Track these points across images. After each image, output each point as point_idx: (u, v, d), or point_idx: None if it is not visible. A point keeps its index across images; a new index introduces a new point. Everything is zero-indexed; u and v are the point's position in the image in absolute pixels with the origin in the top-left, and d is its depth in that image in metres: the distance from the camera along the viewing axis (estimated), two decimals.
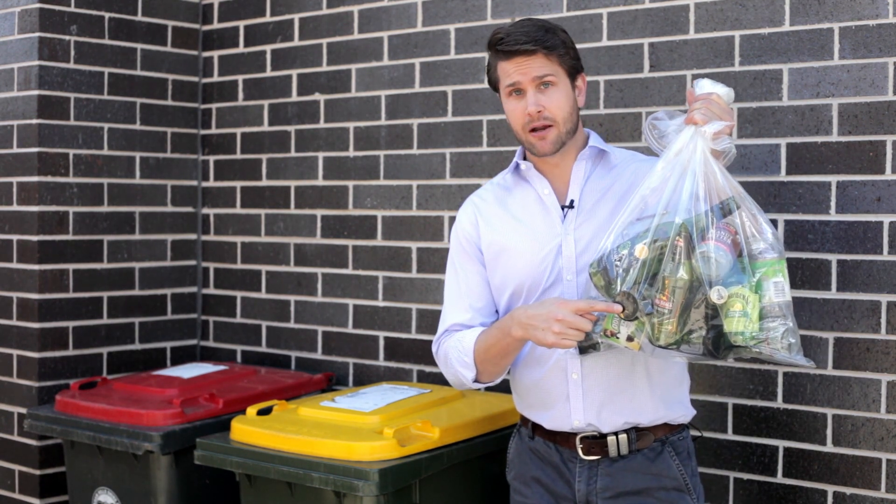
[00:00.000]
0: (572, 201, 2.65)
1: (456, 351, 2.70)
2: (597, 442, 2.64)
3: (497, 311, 2.78)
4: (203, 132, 4.57)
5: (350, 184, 4.09)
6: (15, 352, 4.14)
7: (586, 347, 2.49)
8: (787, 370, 3.08)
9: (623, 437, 2.62)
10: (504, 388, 3.58)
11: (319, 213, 4.18)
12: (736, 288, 2.34)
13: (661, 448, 2.65)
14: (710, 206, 2.38)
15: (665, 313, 2.35)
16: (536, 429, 2.74)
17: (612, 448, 2.63)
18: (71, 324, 4.15)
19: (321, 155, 4.18)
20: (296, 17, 4.25)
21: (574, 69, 2.65)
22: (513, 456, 2.83)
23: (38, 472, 4.08)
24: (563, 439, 2.68)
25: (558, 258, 2.62)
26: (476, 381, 2.71)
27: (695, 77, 3.25)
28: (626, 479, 2.63)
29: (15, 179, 4.15)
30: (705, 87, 2.48)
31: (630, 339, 2.41)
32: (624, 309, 2.37)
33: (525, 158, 2.75)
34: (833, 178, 3.01)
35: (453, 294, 2.79)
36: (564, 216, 2.65)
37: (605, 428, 2.62)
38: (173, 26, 4.48)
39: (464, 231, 2.79)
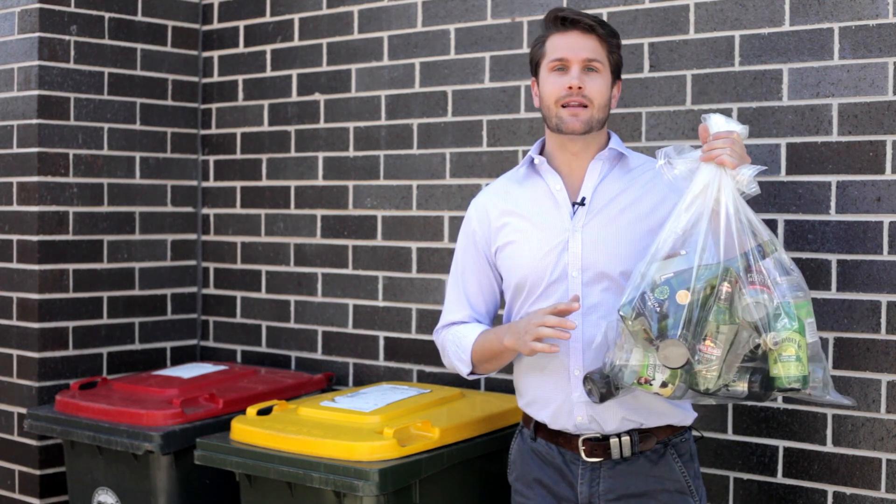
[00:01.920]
0: (584, 198, 2.66)
1: (454, 346, 2.77)
2: (599, 444, 2.64)
3: (498, 309, 2.81)
4: (203, 132, 4.57)
5: (350, 184, 4.09)
6: (15, 352, 4.14)
7: (606, 395, 2.46)
8: None
9: (626, 438, 2.62)
10: (504, 388, 3.58)
11: (319, 213, 4.18)
12: (787, 332, 2.33)
13: (663, 450, 2.65)
14: (749, 248, 2.37)
15: (713, 360, 2.34)
16: (539, 430, 2.74)
17: (614, 450, 2.62)
18: (71, 324, 4.15)
19: (321, 155, 4.18)
20: (296, 17, 4.25)
21: (617, 69, 2.69)
22: (514, 457, 2.82)
23: (38, 472, 4.08)
24: (565, 441, 2.68)
25: (564, 253, 2.62)
26: (472, 374, 2.78)
27: (695, 77, 3.26)
28: (628, 482, 2.63)
29: (15, 179, 4.15)
30: (720, 123, 2.46)
31: (664, 385, 2.39)
32: (685, 363, 2.33)
33: (541, 153, 2.75)
34: (833, 178, 3.01)
35: (454, 291, 2.84)
36: (574, 213, 2.65)
37: (607, 425, 2.62)
38: (173, 26, 4.48)
39: (471, 229, 2.81)
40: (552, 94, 2.63)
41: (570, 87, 2.59)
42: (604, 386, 2.44)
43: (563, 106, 2.61)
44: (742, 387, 2.37)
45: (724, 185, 2.39)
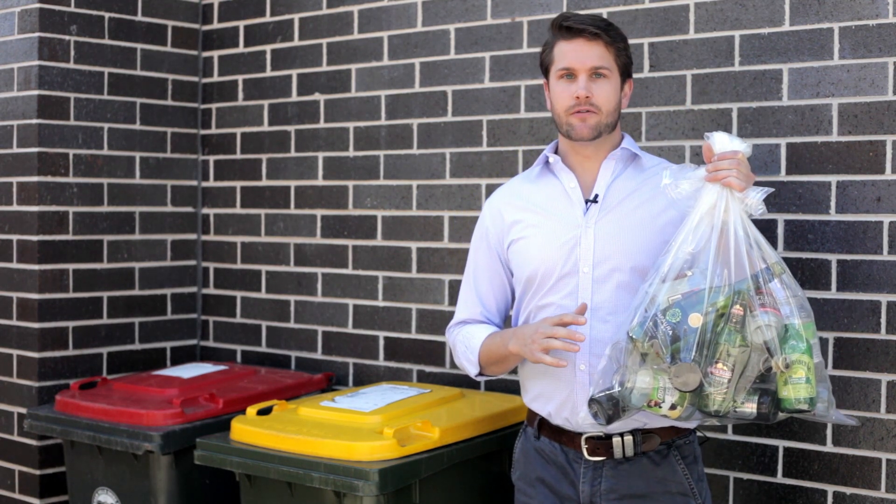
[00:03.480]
0: (597, 195, 2.67)
1: (463, 347, 2.79)
2: (602, 443, 2.64)
3: (509, 307, 2.84)
4: (203, 132, 4.57)
5: (350, 184, 4.09)
6: (15, 352, 4.14)
7: (612, 417, 2.45)
8: None
9: (629, 438, 2.62)
10: (504, 387, 3.59)
11: (319, 213, 4.18)
12: (797, 354, 2.34)
13: (666, 451, 2.65)
14: (759, 270, 2.37)
15: (723, 382, 2.34)
16: (542, 428, 2.75)
17: (617, 449, 2.63)
18: (71, 324, 4.15)
19: (321, 155, 4.18)
20: (296, 17, 4.25)
21: (626, 69, 2.69)
22: (518, 455, 2.83)
23: (38, 472, 4.08)
24: (568, 439, 2.68)
25: (576, 248, 2.64)
26: (480, 375, 2.80)
27: (695, 77, 3.26)
28: (630, 482, 2.63)
29: (15, 179, 4.15)
30: (724, 143, 2.45)
31: (673, 407, 2.39)
32: (696, 386, 2.33)
33: (556, 152, 2.77)
34: (833, 178, 3.01)
35: (466, 289, 2.87)
36: (587, 209, 2.66)
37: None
38: (173, 26, 4.48)
39: (484, 227, 2.84)
40: (561, 102, 2.65)
41: (578, 98, 2.61)
42: (610, 408, 2.43)
43: (573, 113, 2.63)
44: (750, 408, 2.37)
45: (730, 207, 2.39)
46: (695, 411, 2.39)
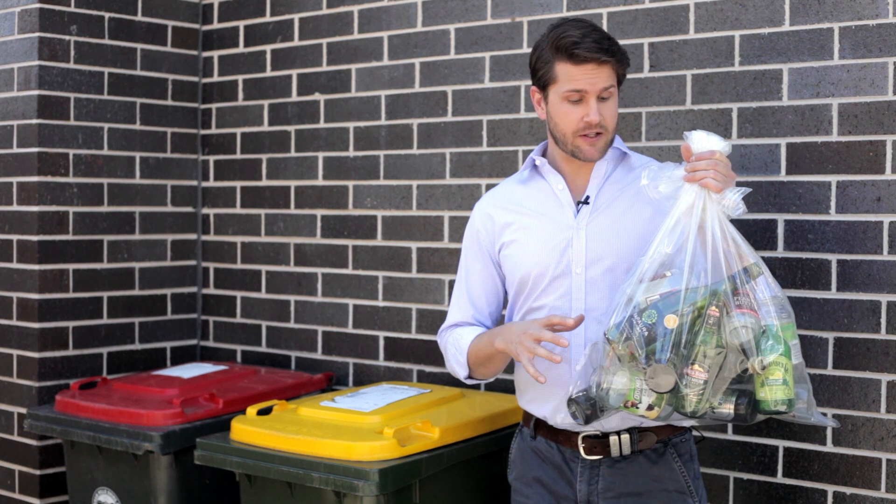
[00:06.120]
0: (588, 197, 2.67)
1: (453, 349, 2.78)
2: (599, 441, 2.64)
3: (504, 309, 2.83)
4: (203, 132, 4.57)
5: (350, 184, 4.09)
6: (15, 352, 4.14)
7: (590, 417, 2.45)
8: None
9: (625, 436, 2.62)
10: (504, 387, 3.59)
11: (319, 213, 4.18)
12: (774, 356, 2.33)
13: (663, 449, 2.65)
14: (736, 271, 2.36)
15: (700, 383, 2.33)
16: (538, 428, 2.74)
17: (613, 448, 2.63)
18: (71, 324, 4.15)
19: (321, 155, 4.18)
20: (296, 17, 4.25)
21: (623, 79, 2.68)
22: (514, 456, 2.83)
23: (38, 472, 4.08)
24: (564, 439, 2.68)
25: (568, 250, 2.63)
26: (469, 377, 2.78)
27: (695, 77, 3.26)
28: (627, 480, 2.63)
29: (15, 179, 4.15)
30: (702, 142, 2.43)
31: (650, 408, 2.38)
32: (673, 388, 2.33)
33: (543, 154, 2.76)
34: (833, 178, 3.01)
35: (458, 292, 2.86)
36: (578, 211, 2.66)
37: (607, 424, 2.61)
38: (173, 26, 4.48)
39: (475, 229, 2.82)
40: (569, 124, 2.61)
41: (590, 123, 2.57)
42: (588, 408, 2.43)
43: (582, 135, 2.60)
44: (728, 409, 2.37)
45: (708, 207, 2.38)
46: (673, 412, 2.39)
